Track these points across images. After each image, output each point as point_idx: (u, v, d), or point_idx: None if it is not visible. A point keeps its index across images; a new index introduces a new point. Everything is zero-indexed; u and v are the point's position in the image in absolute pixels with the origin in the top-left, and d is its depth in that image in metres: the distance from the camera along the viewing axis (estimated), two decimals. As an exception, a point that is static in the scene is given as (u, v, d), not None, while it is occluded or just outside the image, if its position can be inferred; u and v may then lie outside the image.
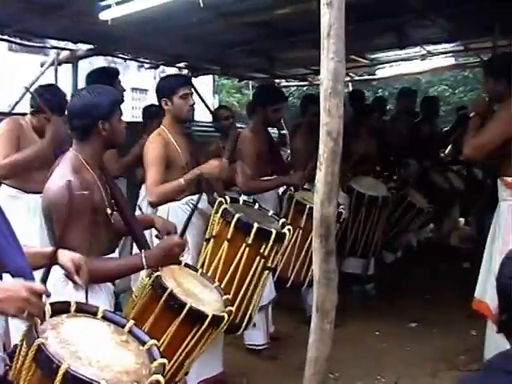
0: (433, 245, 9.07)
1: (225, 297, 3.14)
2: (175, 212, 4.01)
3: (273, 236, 3.39)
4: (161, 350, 2.29)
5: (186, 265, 3.26)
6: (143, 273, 2.97)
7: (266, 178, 4.98)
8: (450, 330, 5.51)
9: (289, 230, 3.60)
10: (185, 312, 2.78)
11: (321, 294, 2.97)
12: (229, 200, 3.74)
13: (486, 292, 4.45)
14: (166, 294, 2.80)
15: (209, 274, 3.41)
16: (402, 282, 7.18)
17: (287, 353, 5.03)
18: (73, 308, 2.24)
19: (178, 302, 2.80)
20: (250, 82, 14.85)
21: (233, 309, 3.08)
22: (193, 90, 4.20)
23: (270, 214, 3.91)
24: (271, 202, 5.02)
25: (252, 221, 3.51)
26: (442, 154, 9.04)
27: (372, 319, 5.78)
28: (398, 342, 5.32)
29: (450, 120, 10.34)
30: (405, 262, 7.84)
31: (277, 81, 12.00)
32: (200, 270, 3.35)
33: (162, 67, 9.71)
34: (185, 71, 9.69)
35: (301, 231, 4.71)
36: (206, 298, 3.03)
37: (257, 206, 3.93)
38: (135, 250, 3.29)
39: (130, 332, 2.29)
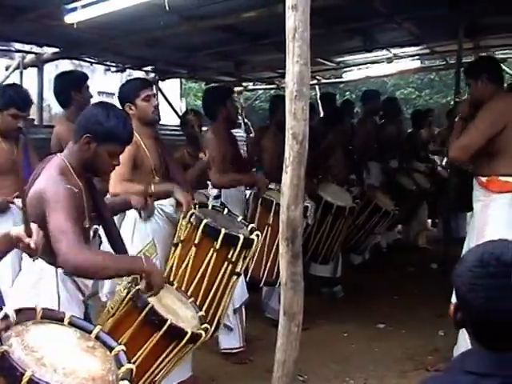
0: (401, 246, 9.15)
1: (200, 313, 3.13)
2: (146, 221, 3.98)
3: (240, 241, 3.38)
4: (137, 363, 2.27)
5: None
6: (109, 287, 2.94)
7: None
8: (418, 330, 5.54)
9: (257, 235, 3.58)
10: (165, 328, 2.76)
11: (288, 297, 2.97)
12: (197, 205, 3.72)
13: None
14: (146, 309, 2.77)
15: (177, 279, 3.39)
16: (369, 283, 7.21)
17: (257, 356, 5.01)
18: (39, 314, 2.20)
19: (159, 318, 2.77)
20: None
21: (208, 326, 3.06)
22: (155, 90, 4.14)
23: (238, 219, 3.89)
24: (238, 203, 5.01)
25: (220, 226, 3.49)
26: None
27: (340, 321, 5.80)
28: (367, 343, 5.34)
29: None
30: (373, 264, 7.91)
31: (244, 84, 12.01)
32: (175, 285, 3.32)
33: (128, 71, 9.62)
34: (152, 75, 9.66)
35: (269, 228, 4.73)
36: (183, 315, 3.01)
37: (226, 212, 3.91)
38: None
39: (97, 338, 2.25)
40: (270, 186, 5.14)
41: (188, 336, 2.80)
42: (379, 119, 8.85)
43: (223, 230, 3.37)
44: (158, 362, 2.82)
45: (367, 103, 8.02)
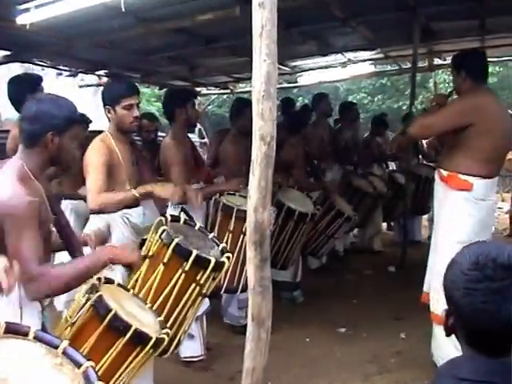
0: (357, 250, 9.18)
1: (159, 318, 3.03)
2: (110, 226, 3.84)
3: (211, 265, 3.26)
4: (100, 373, 2.16)
5: (119, 285, 3.12)
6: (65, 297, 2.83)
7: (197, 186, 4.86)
8: (379, 333, 5.53)
9: (228, 257, 3.48)
10: (129, 334, 2.65)
11: (256, 303, 2.90)
12: (169, 218, 3.59)
13: (428, 283, 4.57)
14: (110, 315, 2.65)
15: (141, 295, 3.27)
16: (328, 287, 7.19)
17: (219, 363, 4.93)
18: (1, 329, 2.07)
19: (124, 324, 2.66)
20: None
21: (169, 330, 2.96)
22: (138, 100, 3.97)
23: (210, 236, 3.77)
24: (199, 209, 4.91)
25: (191, 246, 3.37)
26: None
27: (302, 326, 5.75)
28: (329, 347, 5.29)
29: (369, 127, 10.55)
30: (331, 268, 7.90)
31: (198, 89, 11.92)
32: (132, 291, 3.21)
33: (81, 75, 9.45)
34: (104, 79, 9.49)
35: (230, 235, 4.63)
36: (144, 320, 2.91)
37: (197, 227, 3.79)
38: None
39: (64, 354, 2.13)
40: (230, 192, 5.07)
41: (153, 341, 2.70)
42: (334, 123, 8.89)
43: (194, 252, 3.24)
44: (122, 369, 2.71)
45: (318, 107, 7.99)
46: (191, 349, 4.76)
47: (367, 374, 4.69)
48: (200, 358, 4.85)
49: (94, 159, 3.78)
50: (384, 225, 10.48)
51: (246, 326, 5.46)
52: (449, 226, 4.31)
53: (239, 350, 5.14)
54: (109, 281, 2.98)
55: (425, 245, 9.23)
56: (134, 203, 3.77)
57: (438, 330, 4.36)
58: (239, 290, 4.76)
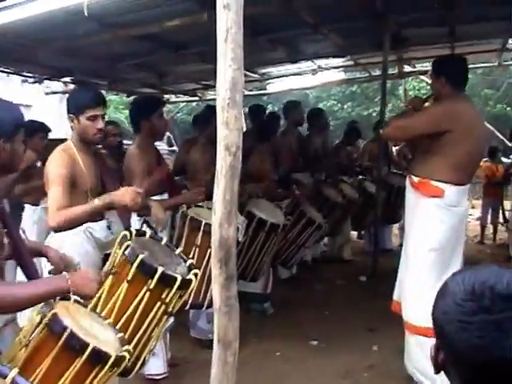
0: (327, 259, 9.09)
1: (119, 334, 2.86)
2: (71, 241, 3.65)
3: (177, 283, 3.10)
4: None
5: (76, 301, 2.95)
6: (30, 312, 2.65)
7: (157, 197, 4.67)
8: (351, 346, 5.41)
9: (195, 274, 3.32)
10: (87, 353, 2.48)
11: (222, 324, 2.75)
12: (134, 233, 3.41)
13: (399, 292, 4.51)
14: (66, 334, 2.48)
15: (104, 313, 3.10)
16: (299, 298, 7.07)
17: (186, 380, 4.77)
18: None
19: (81, 342, 2.49)
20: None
21: (130, 348, 2.79)
22: (105, 109, 3.79)
23: (176, 252, 3.60)
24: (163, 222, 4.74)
25: (157, 263, 3.20)
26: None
27: (272, 339, 5.60)
28: (300, 361, 5.14)
29: (339, 134, 10.50)
30: (301, 278, 7.79)
31: (166, 96, 11.79)
32: (90, 306, 3.04)
33: (46, 82, 9.24)
34: (71, 86, 9.30)
35: (197, 249, 4.46)
36: (103, 337, 2.73)
37: (164, 242, 3.62)
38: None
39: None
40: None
41: (112, 359, 2.54)
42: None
43: (160, 269, 3.07)
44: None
45: (289, 115, 7.87)
46: (155, 366, 4.57)
47: (340, 390, 4.57)
48: (163, 375, 4.66)
49: (55, 171, 3.61)
50: (354, 233, 10.43)
51: (213, 340, 5.41)
52: (421, 233, 4.24)
53: (207, 365, 5.03)
54: (65, 297, 2.81)
55: (396, 253, 9.16)
56: (96, 216, 3.60)
57: (411, 340, 4.29)
58: (205, 306, 4.59)
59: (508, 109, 20.16)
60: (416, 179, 4.22)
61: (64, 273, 2.66)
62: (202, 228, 4.43)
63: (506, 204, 10.05)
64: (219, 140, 2.62)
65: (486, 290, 1.29)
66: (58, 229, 3.54)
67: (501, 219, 9.89)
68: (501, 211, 8.06)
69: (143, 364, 3.28)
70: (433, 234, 4.17)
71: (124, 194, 3.52)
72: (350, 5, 5.78)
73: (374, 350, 5.31)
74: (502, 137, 13.25)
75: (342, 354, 5.26)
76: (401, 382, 4.41)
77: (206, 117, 5.60)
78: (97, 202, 3.54)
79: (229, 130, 2.58)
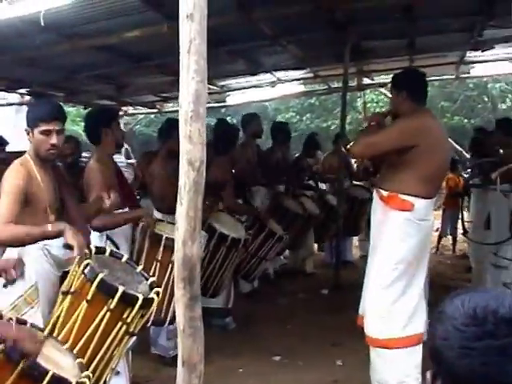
0: (289, 272, 9.03)
1: (78, 360, 2.74)
2: (28, 258, 3.48)
3: (139, 302, 3.00)
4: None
5: (32, 325, 2.82)
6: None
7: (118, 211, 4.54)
8: (315, 361, 5.34)
9: (157, 293, 3.22)
10: (47, 381, 2.36)
11: (187, 346, 2.64)
12: (94, 250, 3.29)
13: (363, 306, 4.42)
14: (24, 361, 2.36)
15: (62, 334, 2.97)
16: (261, 312, 6.98)
17: (147, 400, 4.64)
18: None
19: (40, 370, 2.37)
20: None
21: (90, 373, 2.67)
22: (61, 125, 3.60)
23: (138, 269, 3.49)
24: (124, 236, 4.61)
25: (117, 282, 3.09)
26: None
27: (234, 355, 5.49)
28: (264, 378, 5.04)
29: (297, 146, 10.48)
30: (262, 292, 7.72)
31: (124, 108, 11.67)
32: (46, 331, 2.92)
33: (1, 93, 9.04)
34: (27, 97, 9.11)
35: (158, 264, 4.36)
36: (62, 363, 2.62)
37: (125, 259, 3.50)
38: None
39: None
40: (159, 217, 4.80)
41: (72, 387, 2.44)
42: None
43: (121, 288, 2.96)
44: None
45: (248, 127, 7.79)
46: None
47: (304, 407, 4.50)
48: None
49: (10, 185, 3.45)
50: (315, 245, 10.40)
51: (175, 357, 5.27)
52: (388, 246, 4.19)
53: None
54: (20, 321, 2.68)
55: (357, 265, 9.22)
56: (47, 238, 3.45)
57: (374, 354, 4.23)
58: (167, 323, 4.48)
59: (465, 121, 20.46)
60: (385, 193, 4.19)
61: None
62: (162, 242, 4.33)
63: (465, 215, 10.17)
64: (182, 154, 2.53)
65: (489, 314, 1.21)
66: (2, 244, 3.41)
67: (461, 230, 9.99)
68: (460, 222, 8.13)
69: (104, 387, 3.16)
70: (401, 247, 4.13)
71: (75, 238, 3.36)
72: (310, 16, 5.76)
73: (338, 365, 5.24)
74: (460, 148, 13.42)
75: (306, 370, 5.19)
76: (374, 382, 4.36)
77: (166, 130, 5.49)
78: (49, 228, 3.40)
79: (192, 144, 2.48)
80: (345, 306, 6.28)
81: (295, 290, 8.05)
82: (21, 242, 3.39)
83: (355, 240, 10.29)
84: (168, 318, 4.41)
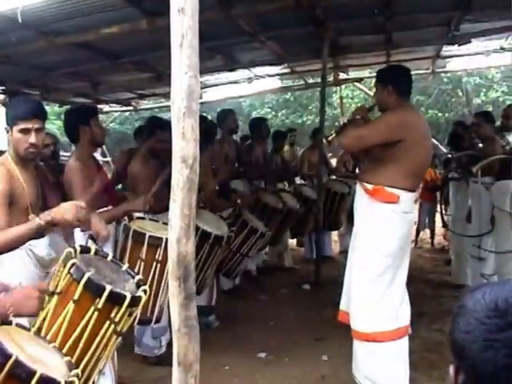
0: (269, 268, 9.02)
1: (66, 358, 2.69)
2: (11, 260, 3.42)
3: (127, 301, 2.95)
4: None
5: (18, 324, 2.76)
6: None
7: (101, 209, 4.47)
8: (301, 356, 5.32)
9: (144, 291, 3.17)
10: (34, 381, 2.31)
11: (182, 346, 2.60)
12: (79, 249, 3.23)
13: (346, 301, 4.43)
14: (10, 362, 2.30)
15: (49, 336, 2.91)
16: (244, 309, 6.97)
17: (133, 400, 4.59)
18: None
19: (27, 370, 2.32)
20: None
21: (79, 371, 2.62)
22: (40, 123, 3.51)
23: (124, 268, 3.44)
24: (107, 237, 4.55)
25: (104, 281, 3.04)
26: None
27: (219, 353, 5.43)
28: (250, 375, 5.01)
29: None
30: (243, 289, 7.70)
31: (99, 106, 11.55)
32: (33, 330, 2.86)
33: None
34: (1, 96, 8.97)
35: (142, 263, 4.28)
36: (50, 362, 2.56)
37: (110, 258, 3.44)
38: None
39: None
40: (139, 215, 4.75)
41: (61, 386, 2.38)
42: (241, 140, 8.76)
43: (108, 287, 2.90)
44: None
45: (223, 123, 7.75)
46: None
47: (293, 404, 4.48)
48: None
49: None
50: (293, 241, 10.39)
51: (160, 356, 5.24)
52: (375, 239, 4.20)
53: (155, 384, 4.89)
54: (5, 322, 2.63)
55: (337, 260, 9.25)
56: (35, 235, 3.38)
57: (360, 348, 4.25)
58: (153, 321, 4.42)
59: (440, 115, 20.62)
60: (370, 186, 4.19)
61: (3, 294, 2.47)
62: (146, 241, 4.27)
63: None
64: (175, 151, 2.48)
65: (511, 306, 1.22)
66: None
67: (440, 223, 10.06)
68: (439, 215, 8.19)
69: (92, 387, 3.11)
70: (388, 240, 4.16)
71: (66, 210, 3.31)
72: (290, 12, 5.75)
73: (324, 360, 5.23)
74: (436, 142, 13.50)
75: (292, 366, 5.17)
76: (360, 376, 4.35)
77: (149, 128, 5.42)
78: (37, 221, 3.33)
79: (185, 141, 2.44)
80: (327, 301, 6.28)
81: (276, 286, 8.04)
82: (17, 245, 3.30)
83: (334, 235, 10.30)
84: (154, 317, 4.36)
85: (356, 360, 4.33)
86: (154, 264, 4.19)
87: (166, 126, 2.67)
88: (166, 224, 4.08)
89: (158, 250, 4.20)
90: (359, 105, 18.77)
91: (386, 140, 4.09)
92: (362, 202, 4.31)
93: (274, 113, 22.83)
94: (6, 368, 2.30)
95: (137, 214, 4.97)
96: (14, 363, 2.31)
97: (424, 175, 4.50)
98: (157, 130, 5.21)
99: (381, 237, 4.16)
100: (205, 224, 5.31)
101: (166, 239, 3.26)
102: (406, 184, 4.15)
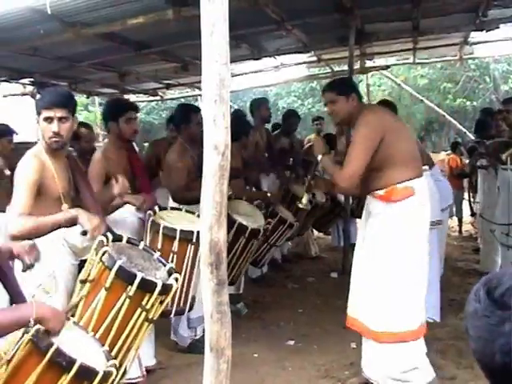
0: (295, 256, 9.04)
1: (104, 348, 2.74)
2: (45, 248, 3.42)
3: (158, 289, 2.98)
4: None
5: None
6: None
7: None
8: (329, 344, 5.35)
9: (176, 279, 3.20)
10: (74, 370, 2.36)
11: (214, 331, 2.63)
12: (111, 238, 3.26)
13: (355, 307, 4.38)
14: (51, 350, 2.35)
15: (82, 323, 2.96)
16: (272, 297, 7.02)
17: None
18: None
19: (67, 359, 2.36)
20: (96, 99, 14.36)
21: (116, 362, 2.66)
22: (65, 112, 3.52)
23: (155, 256, 3.47)
24: (129, 227, 4.57)
25: (136, 269, 3.08)
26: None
27: (248, 341, 5.49)
28: (279, 362, 5.05)
29: (299, 131, 10.43)
30: (272, 277, 7.73)
31: (126, 96, 11.61)
32: (72, 320, 2.91)
33: (3, 84, 8.98)
34: (29, 88, 9.06)
35: (175, 256, 4.21)
36: (89, 352, 2.61)
37: (141, 246, 3.48)
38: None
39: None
40: (175, 205, 4.77)
41: (100, 376, 2.43)
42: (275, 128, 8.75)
43: (139, 275, 2.94)
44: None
45: (257, 112, 7.76)
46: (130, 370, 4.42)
47: (323, 390, 4.49)
48: (139, 379, 4.50)
49: (24, 177, 3.44)
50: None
51: (190, 344, 5.28)
52: (397, 240, 4.10)
53: (184, 371, 4.93)
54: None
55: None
56: (60, 227, 3.43)
57: (386, 351, 4.15)
58: (187, 310, 4.44)
59: (467, 102, 20.44)
60: (381, 192, 4.11)
61: (32, 301, 2.52)
62: (160, 231, 4.22)
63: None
64: (206, 139, 2.51)
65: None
66: (16, 238, 3.31)
67: (468, 211, 10.01)
68: (468, 203, 8.14)
69: (124, 374, 3.16)
70: (411, 235, 4.11)
71: (90, 221, 3.35)
72: (316, 0, 5.73)
73: (353, 348, 5.22)
74: (464, 129, 13.41)
75: (321, 353, 5.19)
76: (382, 377, 4.34)
77: (185, 115, 5.37)
78: (62, 215, 3.39)
79: (217, 129, 2.47)
80: (355, 289, 6.29)
81: (304, 274, 8.08)
82: (35, 234, 3.35)
83: (359, 222, 10.26)
84: (187, 306, 4.36)
85: (374, 362, 4.26)
86: (171, 255, 4.13)
87: (198, 109, 2.67)
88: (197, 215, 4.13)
89: (189, 244, 4.19)
90: (385, 92, 18.58)
91: (374, 149, 4.00)
92: (376, 208, 4.21)
93: (300, 101, 22.77)
94: (48, 356, 2.36)
95: (171, 204, 5.01)
96: (56, 352, 2.37)
97: (419, 159, 4.40)
98: (191, 114, 5.23)
99: (404, 234, 4.10)
100: (241, 217, 5.29)
101: (198, 232, 3.30)
102: (410, 172, 4.11)
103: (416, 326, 4.12)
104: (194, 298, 4.33)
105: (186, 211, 4.55)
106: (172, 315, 4.32)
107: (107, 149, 4.60)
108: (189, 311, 4.48)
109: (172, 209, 4.64)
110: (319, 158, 4.38)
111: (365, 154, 3.99)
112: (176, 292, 3.90)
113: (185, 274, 4.11)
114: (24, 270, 2.95)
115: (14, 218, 3.32)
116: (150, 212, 4.35)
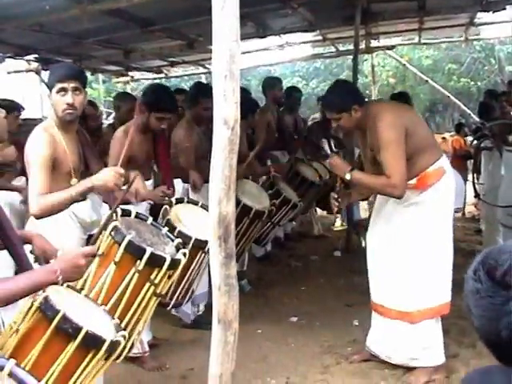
0: (298, 235, 9.08)
1: (114, 320, 2.78)
2: (54, 222, 3.48)
3: (167, 263, 3.02)
4: (51, 381, 1.90)
5: (69, 286, 2.84)
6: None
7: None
8: (332, 321, 5.40)
9: (184, 254, 3.24)
10: (80, 337, 2.39)
11: (222, 304, 2.68)
12: (120, 213, 3.29)
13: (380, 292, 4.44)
14: (58, 317, 2.38)
15: (91, 296, 3.00)
16: (275, 275, 7.08)
17: (169, 361, 4.69)
18: None
19: (74, 326, 2.40)
20: (100, 76, 14.33)
21: (126, 333, 2.70)
22: (78, 84, 3.53)
23: (163, 231, 3.50)
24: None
25: (145, 243, 3.11)
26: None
27: (252, 317, 5.54)
28: (282, 338, 5.11)
29: (304, 111, 10.38)
30: (275, 255, 7.77)
31: (130, 74, 11.61)
32: (83, 292, 2.95)
33: (8, 60, 8.96)
34: (34, 64, 9.05)
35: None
36: (97, 322, 2.65)
37: (150, 221, 3.51)
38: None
39: (11, 376, 1.86)
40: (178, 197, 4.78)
41: (107, 344, 2.46)
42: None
43: (149, 250, 2.97)
44: (75, 377, 2.45)
45: (269, 92, 7.71)
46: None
47: (326, 366, 4.52)
48: (144, 354, 4.56)
49: (36, 153, 3.46)
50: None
51: (195, 319, 5.34)
52: (439, 217, 4.20)
53: (189, 346, 4.99)
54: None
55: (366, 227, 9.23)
56: (77, 199, 3.47)
57: (408, 330, 4.24)
58: (184, 303, 4.41)
59: (472, 83, 20.37)
60: (413, 180, 4.13)
61: (52, 261, 2.55)
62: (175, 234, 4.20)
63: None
64: (216, 113, 2.53)
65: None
66: (39, 216, 3.37)
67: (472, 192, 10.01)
68: (471, 184, 8.12)
69: (132, 347, 3.20)
70: (450, 210, 4.28)
71: (105, 178, 3.38)
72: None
73: (355, 325, 5.29)
74: (468, 111, 13.38)
75: (324, 330, 5.25)
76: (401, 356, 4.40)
77: (196, 95, 5.44)
78: (76, 190, 3.42)
79: (226, 103, 2.49)
80: (357, 268, 6.31)
81: (307, 252, 8.12)
82: (59, 209, 3.41)
83: (364, 203, 10.28)
84: (185, 301, 4.38)
85: (397, 343, 4.32)
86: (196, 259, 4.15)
87: (210, 94, 2.67)
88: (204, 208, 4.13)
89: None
90: (390, 73, 18.44)
91: (404, 147, 3.99)
92: (410, 198, 4.18)
93: (304, 82, 22.71)
94: (54, 323, 2.39)
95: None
96: (62, 318, 2.40)
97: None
98: (200, 98, 5.25)
99: (442, 215, 4.21)
100: (246, 197, 5.30)
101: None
102: (435, 155, 4.19)
103: (449, 297, 4.20)
104: (193, 291, 4.35)
105: (202, 206, 4.44)
106: (170, 307, 4.32)
107: (128, 129, 4.32)
108: (186, 302, 4.49)
109: (188, 202, 4.55)
110: (348, 177, 4.16)
111: (402, 156, 3.97)
112: (177, 288, 3.95)
113: (189, 275, 4.10)
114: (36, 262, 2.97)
115: (34, 198, 3.35)
116: (166, 207, 4.29)
